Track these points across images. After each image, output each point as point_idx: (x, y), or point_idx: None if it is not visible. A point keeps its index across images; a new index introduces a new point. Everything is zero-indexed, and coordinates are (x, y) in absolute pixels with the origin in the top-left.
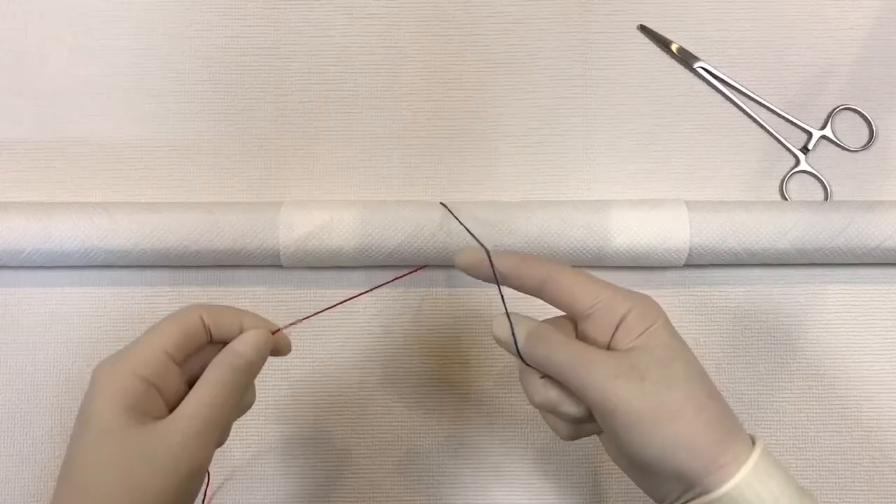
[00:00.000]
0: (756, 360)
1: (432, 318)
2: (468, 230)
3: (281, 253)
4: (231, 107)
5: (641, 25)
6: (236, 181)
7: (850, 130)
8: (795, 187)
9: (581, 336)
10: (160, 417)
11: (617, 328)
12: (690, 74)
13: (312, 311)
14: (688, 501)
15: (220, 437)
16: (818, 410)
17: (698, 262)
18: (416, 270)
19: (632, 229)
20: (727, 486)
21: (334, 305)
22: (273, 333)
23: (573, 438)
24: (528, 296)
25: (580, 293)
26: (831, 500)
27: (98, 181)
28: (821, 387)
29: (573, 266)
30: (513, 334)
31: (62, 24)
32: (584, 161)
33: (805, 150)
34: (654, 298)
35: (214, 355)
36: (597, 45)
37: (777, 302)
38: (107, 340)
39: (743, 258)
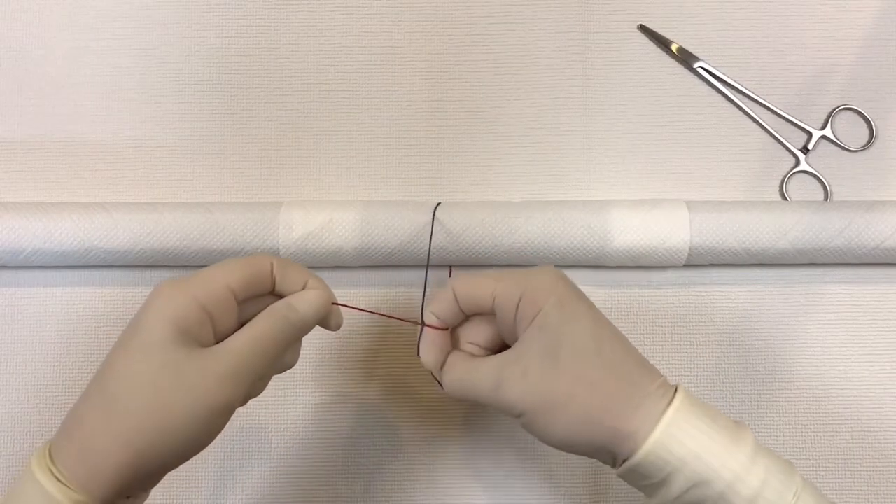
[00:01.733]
0: (756, 360)
1: None
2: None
3: (281, 253)
4: (231, 107)
5: (641, 25)
6: (236, 181)
7: (850, 130)
8: (795, 187)
9: (501, 331)
10: (207, 346)
11: (516, 318)
12: (690, 74)
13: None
14: (620, 465)
15: (257, 384)
16: (818, 410)
17: (698, 262)
18: (450, 272)
19: (632, 229)
20: (641, 453)
21: (398, 318)
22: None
23: None
24: None
25: (477, 294)
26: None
27: (98, 181)
28: (821, 386)
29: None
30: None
31: (62, 24)
32: (584, 161)
33: (805, 150)
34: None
35: None
36: (597, 45)
37: (777, 302)
38: (107, 340)
39: (743, 258)
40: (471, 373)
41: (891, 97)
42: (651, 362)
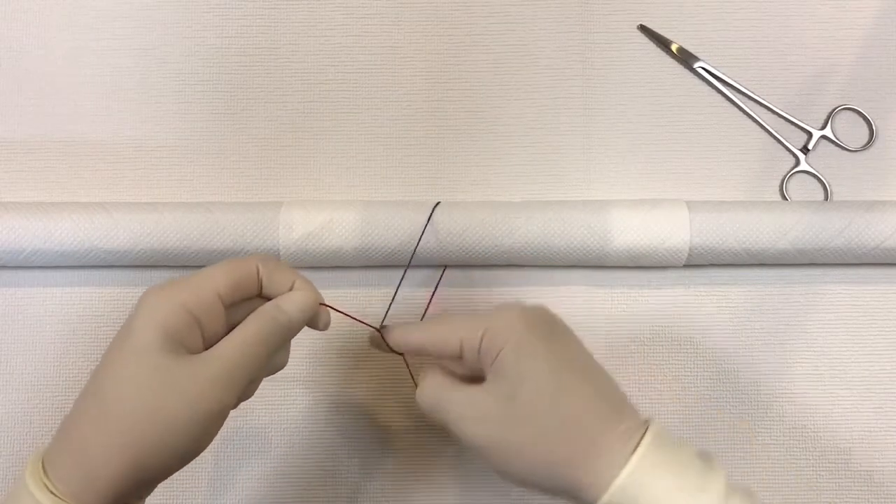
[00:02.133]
0: (756, 360)
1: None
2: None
3: (281, 253)
4: (231, 107)
5: (641, 25)
6: (236, 181)
7: (850, 130)
8: (795, 187)
9: (471, 372)
10: (196, 352)
11: (479, 360)
12: (690, 74)
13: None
14: None
15: (248, 387)
16: (818, 410)
17: (698, 262)
18: (443, 273)
19: (632, 229)
20: (603, 502)
21: (368, 326)
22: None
23: None
24: None
25: (445, 338)
26: (830, 501)
27: (98, 181)
28: (820, 387)
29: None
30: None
31: (62, 24)
32: (584, 161)
33: (805, 150)
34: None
35: None
36: (597, 45)
37: (777, 302)
38: (106, 340)
39: (743, 258)
40: (441, 397)
41: (891, 97)
42: (651, 363)
